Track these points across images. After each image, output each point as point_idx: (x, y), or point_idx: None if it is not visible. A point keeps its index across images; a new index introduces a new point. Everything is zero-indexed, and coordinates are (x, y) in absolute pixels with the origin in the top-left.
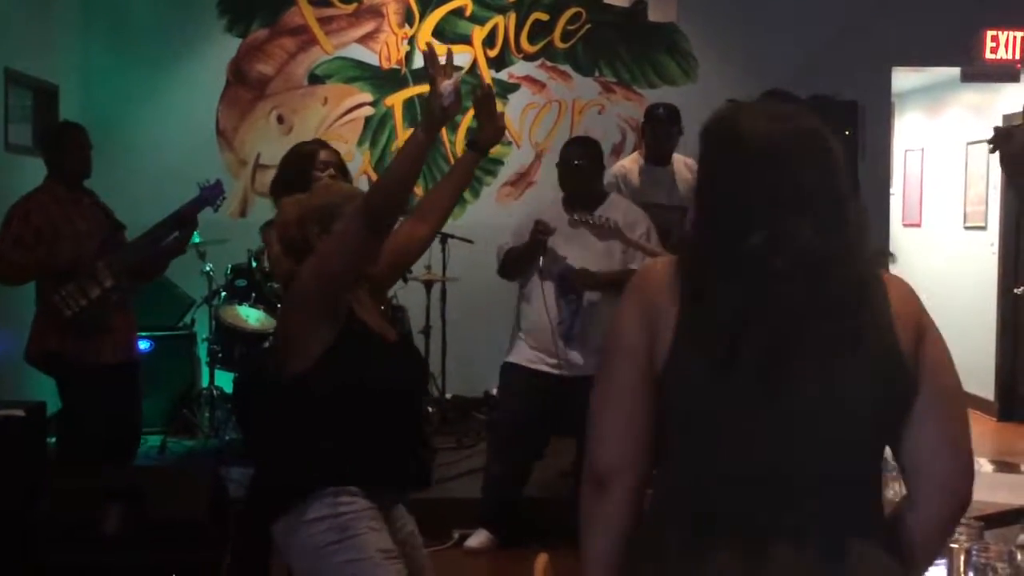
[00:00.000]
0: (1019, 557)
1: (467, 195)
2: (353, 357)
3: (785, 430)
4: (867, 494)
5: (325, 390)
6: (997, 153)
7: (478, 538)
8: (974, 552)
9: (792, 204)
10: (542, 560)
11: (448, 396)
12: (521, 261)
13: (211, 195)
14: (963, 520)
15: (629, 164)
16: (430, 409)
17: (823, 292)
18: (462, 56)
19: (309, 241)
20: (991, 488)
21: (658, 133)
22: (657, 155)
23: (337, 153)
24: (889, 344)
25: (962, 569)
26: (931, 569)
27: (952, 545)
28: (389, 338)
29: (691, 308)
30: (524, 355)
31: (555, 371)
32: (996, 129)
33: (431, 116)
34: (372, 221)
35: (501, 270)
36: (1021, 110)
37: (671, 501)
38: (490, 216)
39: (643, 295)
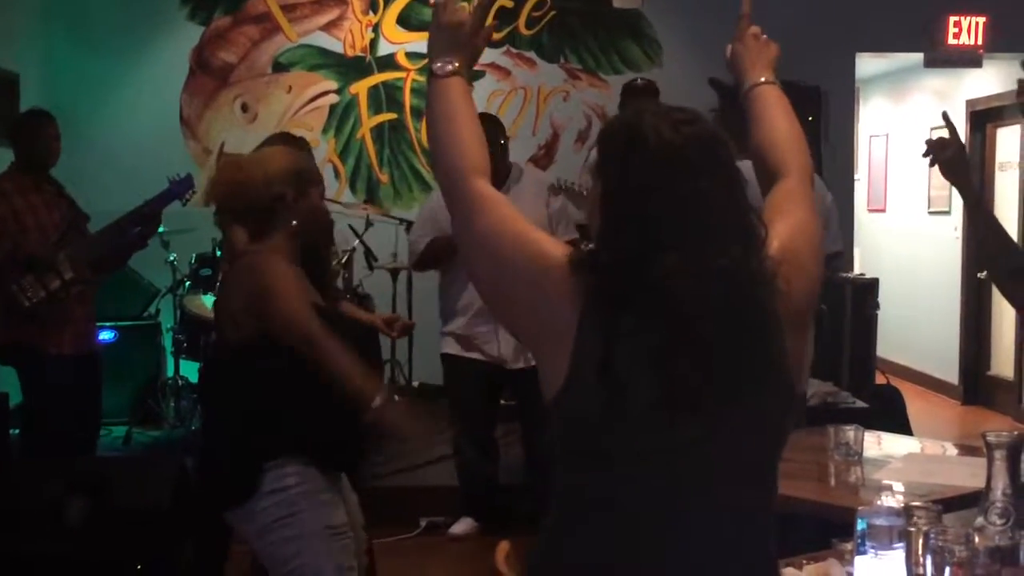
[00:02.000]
0: (976, 540)
1: (432, 183)
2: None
3: (699, 469)
4: (763, 546)
5: (270, 360)
6: (936, 164)
7: (462, 525)
8: (932, 536)
9: (701, 216)
10: (503, 548)
11: (415, 384)
12: (447, 250)
13: (180, 189)
14: (921, 504)
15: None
16: (396, 397)
17: (740, 318)
18: (426, 43)
19: (283, 203)
20: (952, 472)
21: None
22: None
23: (302, 142)
24: (787, 375)
25: (920, 552)
26: (889, 553)
27: (910, 528)
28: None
29: (597, 336)
30: (456, 347)
31: (491, 360)
32: (928, 141)
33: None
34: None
35: (420, 264)
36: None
37: (573, 542)
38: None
39: (546, 280)
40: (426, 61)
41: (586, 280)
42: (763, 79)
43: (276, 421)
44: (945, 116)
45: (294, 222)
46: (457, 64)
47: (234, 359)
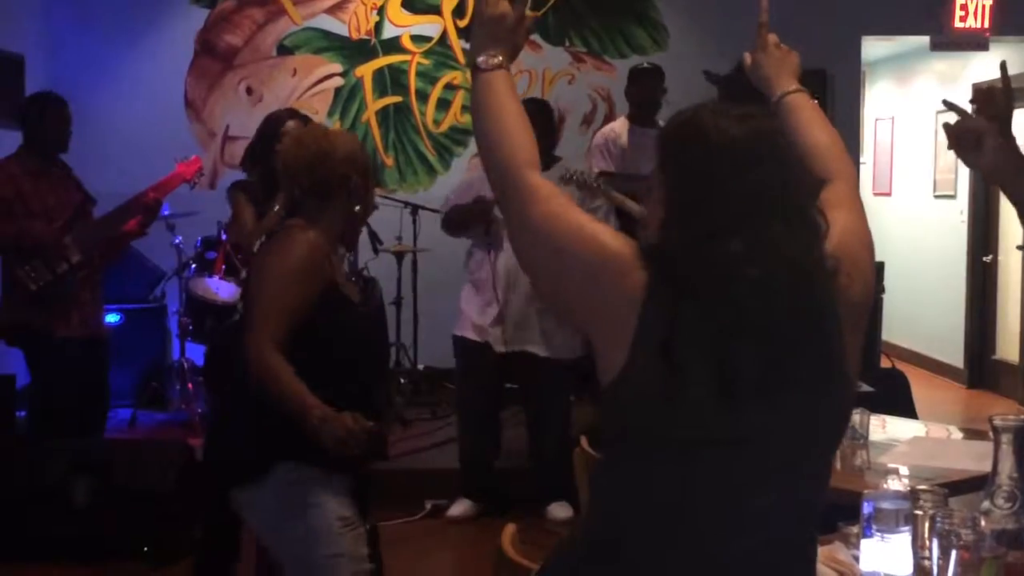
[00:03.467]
0: (982, 523)
1: (437, 166)
2: (329, 326)
3: (758, 459)
4: (811, 533)
5: (299, 357)
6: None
7: (460, 507)
8: (938, 519)
9: (764, 207)
10: (509, 531)
11: (420, 367)
12: (463, 225)
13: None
14: (928, 487)
15: (619, 127)
16: (402, 380)
17: (802, 308)
18: (432, 26)
19: (347, 185)
20: (958, 456)
21: (644, 88)
22: (644, 115)
23: (308, 119)
24: (846, 370)
25: (926, 535)
26: (895, 537)
27: (917, 512)
28: (354, 298)
29: (658, 323)
30: (468, 328)
31: (497, 346)
32: (976, 89)
33: None
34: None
35: (444, 225)
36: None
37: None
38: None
39: (607, 269)
40: (430, 44)
41: (649, 269)
42: (792, 88)
43: (287, 421)
44: (1003, 66)
45: (357, 207)
46: (501, 58)
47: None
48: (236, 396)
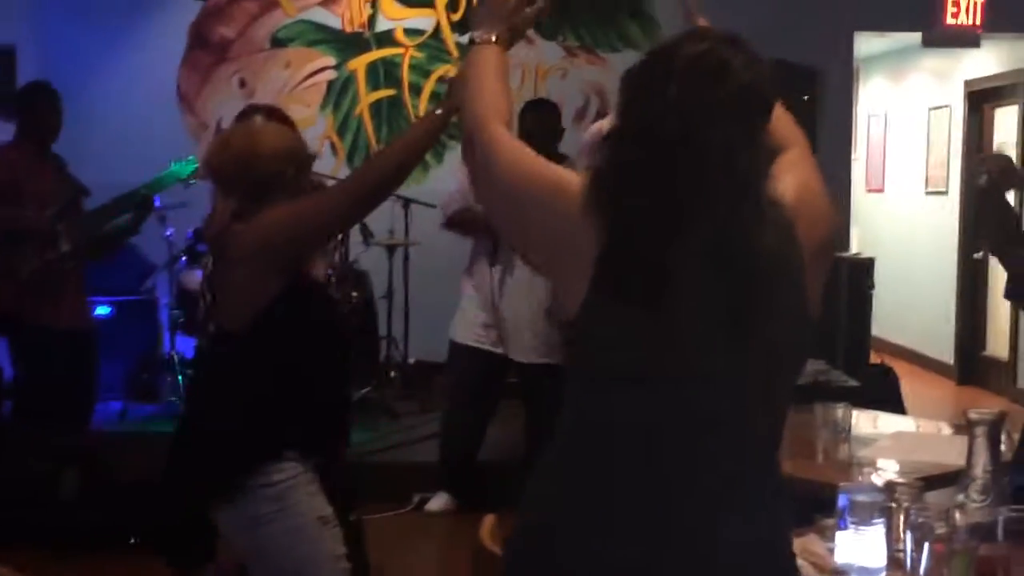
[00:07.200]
0: (956, 516)
1: (430, 158)
2: (298, 311)
3: (718, 394)
4: (774, 463)
5: (269, 344)
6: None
7: (439, 501)
8: (912, 512)
9: (705, 120)
10: (489, 522)
11: (411, 361)
12: (470, 230)
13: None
14: (904, 481)
15: (608, 124)
16: (392, 374)
17: (750, 252)
18: (425, 20)
19: (282, 181)
20: (940, 450)
21: None
22: None
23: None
24: (804, 304)
25: (900, 528)
26: (869, 529)
27: (891, 504)
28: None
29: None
30: (468, 335)
31: (498, 350)
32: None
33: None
34: (368, 195)
35: (449, 223)
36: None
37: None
38: (453, 180)
39: (567, 212)
40: (424, 38)
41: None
42: None
43: (278, 414)
44: None
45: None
46: (495, 38)
47: (236, 346)
48: (215, 403)
